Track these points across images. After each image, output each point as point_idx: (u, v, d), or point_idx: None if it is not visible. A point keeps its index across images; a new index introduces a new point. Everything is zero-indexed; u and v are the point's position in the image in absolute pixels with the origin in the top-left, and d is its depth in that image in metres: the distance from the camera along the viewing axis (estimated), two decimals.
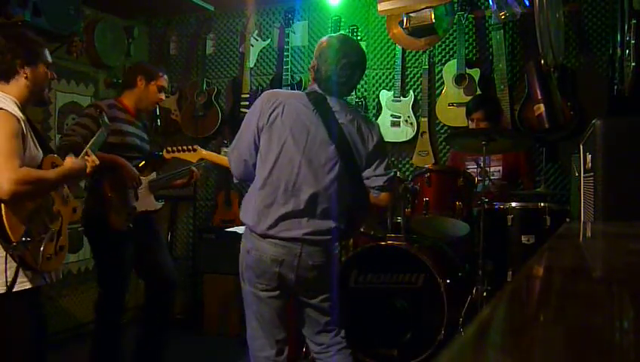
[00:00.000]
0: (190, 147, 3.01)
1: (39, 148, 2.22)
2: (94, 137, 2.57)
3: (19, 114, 2.12)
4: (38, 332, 2.27)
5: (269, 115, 2.25)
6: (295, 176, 2.24)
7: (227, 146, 3.38)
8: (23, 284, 2.12)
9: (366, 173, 2.36)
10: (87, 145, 2.50)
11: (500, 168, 3.72)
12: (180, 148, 3.04)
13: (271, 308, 2.34)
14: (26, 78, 2.20)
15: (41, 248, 2.12)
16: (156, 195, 3.20)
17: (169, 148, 3.05)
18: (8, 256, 2.06)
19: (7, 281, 2.07)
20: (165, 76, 3.17)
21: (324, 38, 2.41)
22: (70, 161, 2.27)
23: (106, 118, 2.72)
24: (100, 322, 3.14)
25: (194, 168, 3.25)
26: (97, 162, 2.46)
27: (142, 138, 3.14)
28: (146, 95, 3.10)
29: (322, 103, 2.29)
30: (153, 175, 3.15)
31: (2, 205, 2.00)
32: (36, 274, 2.16)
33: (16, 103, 2.16)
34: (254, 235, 2.29)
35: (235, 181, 2.53)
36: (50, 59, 2.32)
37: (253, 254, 2.29)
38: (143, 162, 3.08)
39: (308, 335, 2.48)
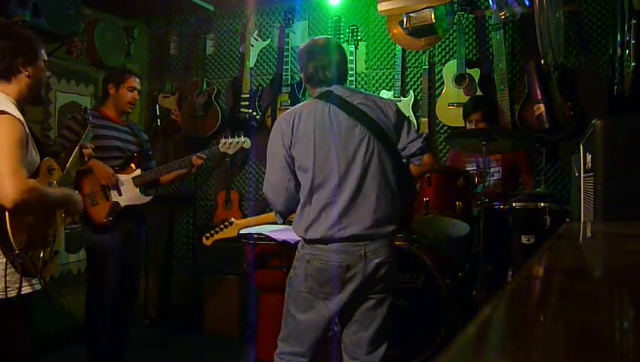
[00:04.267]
0: (227, 223, 2.96)
1: (37, 152, 2.21)
2: (84, 134, 2.78)
3: (22, 118, 2.09)
4: (30, 333, 2.30)
5: (292, 131, 2.27)
6: (337, 169, 2.23)
7: (225, 137, 3.47)
8: (25, 289, 2.11)
9: (401, 144, 2.34)
10: (82, 139, 2.68)
11: (499, 168, 3.72)
12: (216, 229, 2.98)
13: (322, 318, 2.29)
14: (28, 76, 2.19)
15: (40, 255, 2.11)
16: (143, 190, 3.32)
17: (207, 235, 3.02)
18: (9, 263, 2.04)
19: (6, 288, 2.05)
20: (133, 77, 3.38)
21: (299, 49, 2.51)
22: (74, 193, 2.34)
23: (90, 117, 2.93)
24: (87, 321, 3.22)
25: (193, 158, 3.39)
26: (93, 154, 2.75)
27: (125, 140, 3.32)
28: (119, 99, 3.33)
29: (331, 95, 2.32)
30: (137, 171, 3.31)
31: (7, 213, 1.98)
32: (34, 280, 2.16)
33: (15, 105, 2.14)
34: (315, 245, 2.25)
35: (280, 223, 2.48)
36: (46, 57, 2.33)
37: (315, 263, 2.24)
38: (125, 161, 3.29)
39: (346, 345, 2.38)
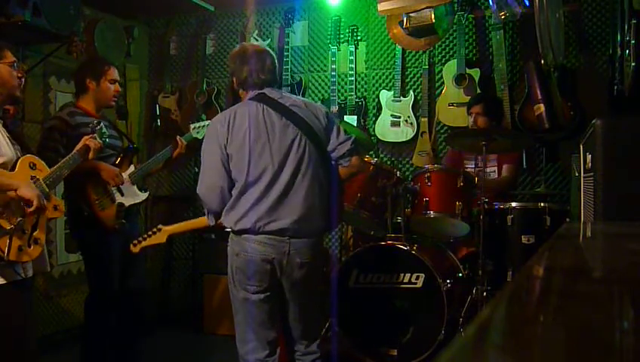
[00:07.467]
0: (155, 229, 2.88)
1: (13, 149, 2.27)
2: (97, 132, 2.70)
3: None
4: (25, 327, 2.29)
5: (227, 130, 2.34)
6: (270, 167, 2.32)
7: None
8: None
9: (331, 146, 2.44)
10: (95, 134, 2.67)
11: (496, 168, 3.72)
12: (144, 236, 2.89)
13: (262, 310, 2.36)
14: None
15: (8, 239, 2.15)
16: (140, 186, 3.21)
17: (135, 242, 2.90)
18: None
19: None
20: (112, 67, 3.13)
21: (231, 53, 2.55)
22: (30, 187, 2.26)
23: (103, 127, 2.78)
24: (89, 323, 3.15)
25: (179, 138, 3.29)
26: (99, 145, 2.65)
27: (111, 135, 3.09)
28: (102, 94, 3.08)
29: (264, 98, 2.41)
30: (132, 168, 3.18)
31: None
32: (7, 268, 2.18)
33: None
34: (242, 237, 2.34)
35: (212, 224, 2.52)
36: (12, 58, 2.36)
37: (242, 256, 2.34)
38: (119, 159, 3.13)
39: (287, 339, 2.52)
